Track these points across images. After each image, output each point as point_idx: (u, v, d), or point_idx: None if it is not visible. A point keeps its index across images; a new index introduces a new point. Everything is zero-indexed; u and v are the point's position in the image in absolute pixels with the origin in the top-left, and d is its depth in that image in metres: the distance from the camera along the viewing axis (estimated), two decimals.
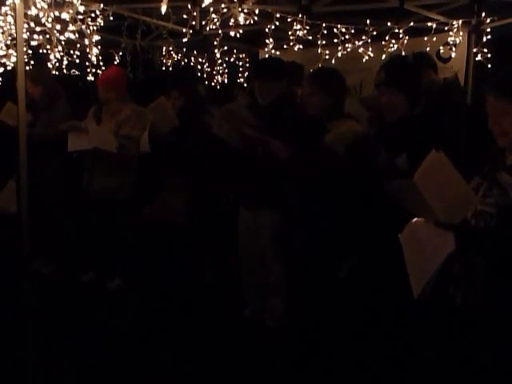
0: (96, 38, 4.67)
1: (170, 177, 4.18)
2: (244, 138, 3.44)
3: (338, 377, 3.09)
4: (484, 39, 5.04)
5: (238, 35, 4.84)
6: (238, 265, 3.87)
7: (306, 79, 3.58)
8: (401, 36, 5.26)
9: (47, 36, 4.52)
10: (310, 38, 5.38)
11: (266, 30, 5.20)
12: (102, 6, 4.69)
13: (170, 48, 6.98)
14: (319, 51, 5.46)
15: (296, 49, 5.44)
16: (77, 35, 4.24)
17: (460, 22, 5.07)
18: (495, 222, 1.83)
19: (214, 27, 4.85)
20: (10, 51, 4.43)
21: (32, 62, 5.76)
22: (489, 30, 5.03)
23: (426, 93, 2.98)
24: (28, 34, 4.27)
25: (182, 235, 4.11)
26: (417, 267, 1.85)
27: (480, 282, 1.87)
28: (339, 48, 5.43)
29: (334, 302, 3.19)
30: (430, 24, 5.17)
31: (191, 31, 5.08)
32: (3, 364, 3.10)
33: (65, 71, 6.42)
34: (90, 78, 6.29)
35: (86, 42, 4.69)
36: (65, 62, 6.10)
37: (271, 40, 5.34)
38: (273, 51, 5.77)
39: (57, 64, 5.83)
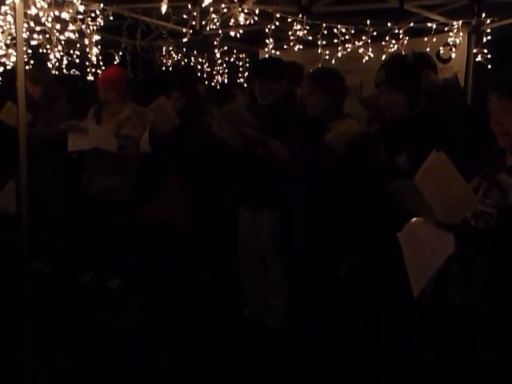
0: (96, 37, 4.67)
1: (170, 177, 4.18)
2: (244, 137, 3.45)
3: (338, 377, 3.09)
4: (484, 40, 5.05)
5: (238, 35, 4.84)
6: (238, 265, 3.87)
7: (305, 79, 3.59)
8: (401, 36, 5.26)
9: (47, 36, 4.52)
10: (310, 38, 5.38)
11: (266, 30, 5.20)
12: (102, 5, 4.69)
13: (170, 48, 6.98)
14: (319, 51, 5.46)
15: (296, 49, 5.44)
16: (77, 35, 4.24)
17: (460, 22, 5.07)
18: (495, 223, 1.83)
19: (214, 27, 4.85)
20: (10, 51, 4.43)
21: (32, 62, 5.77)
22: (489, 30, 5.04)
23: (425, 93, 2.98)
24: (28, 33, 4.28)
25: (182, 235, 4.11)
26: (416, 267, 1.85)
27: (479, 282, 1.87)
28: (339, 48, 5.43)
29: (333, 302, 3.19)
30: (429, 24, 5.17)
31: (191, 31, 5.09)
32: (3, 364, 3.10)
33: (65, 71, 6.42)
34: (90, 77, 6.28)
35: (86, 41, 4.69)
36: (65, 62, 6.10)
37: (271, 40, 5.35)
38: (273, 51, 5.77)
39: (57, 64, 5.82)
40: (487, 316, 1.86)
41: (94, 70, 6.23)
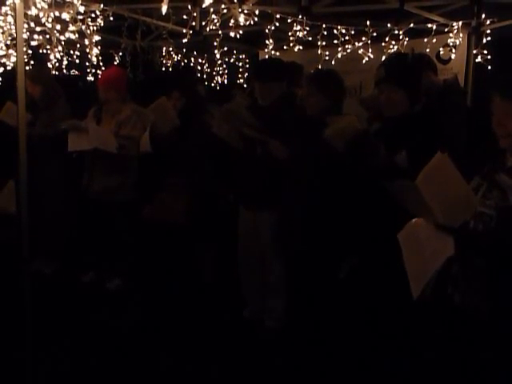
0: (96, 38, 4.67)
1: (170, 177, 4.18)
2: (243, 138, 3.45)
3: (338, 377, 3.10)
4: (484, 40, 5.04)
5: (237, 36, 4.84)
6: (237, 265, 3.87)
7: (304, 81, 3.59)
8: (401, 37, 5.26)
9: (47, 36, 4.52)
10: (310, 38, 5.39)
11: (266, 30, 5.20)
12: (102, 6, 4.69)
13: (170, 48, 6.98)
14: (319, 52, 5.46)
15: (296, 50, 5.44)
16: (77, 35, 4.24)
17: (460, 23, 5.07)
18: (494, 224, 1.83)
19: (214, 28, 4.85)
20: (10, 51, 4.43)
21: (32, 62, 5.77)
22: (489, 31, 5.04)
23: (425, 94, 2.98)
24: (28, 34, 4.27)
25: (182, 235, 4.11)
26: (416, 268, 1.85)
27: (478, 282, 1.88)
28: (339, 49, 5.43)
29: (333, 303, 3.20)
30: (429, 25, 5.17)
31: (191, 32, 5.08)
32: (3, 364, 3.10)
33: (65, 71, 6.42)
34: (90, 78, 6.28)
35: (86, 42, 4.69)
36: (65, 62, 6.11)
37: (271, 41, 5.35)
38: (273, 52, 5.77)
39: (57, 64, 5.83)
40: (487, 316, 1.86)
41: (94, 70, 6.23)
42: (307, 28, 5.15)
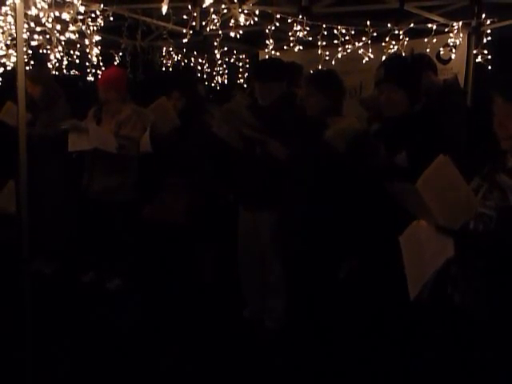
0: (96, 38, 4.67)
1: (170, 177, 4.18)
2: (243, 138, 3.45)
3: (338, 377, 3.10)
4: (484, 40, 5.05)
5: (238, 36, 4.84)
6: (237, 265, 3.87)
7: (303, 81, 3.59)
8: (401, 37, 5.26)
9: (47, 36, 4.52)
10: (310, 38, 5.38)
11: (266, 30, 5.20)
12: (102, 6, 4.69)
13: (170, 48, 6.98)
14: (319, 52, 5.46)
15: (296, 50, 5.44)
16: (77, 35, 4.24)
17: (460, 23, 5.07)
18: (494, 225, 1.83)
19: (214, 28, 4.85)
20: (10, 51, 4.42)
21: (32, 62, 5.77)
22: (489, 31, 5.04)
23: (425, 94, 2.98)
24: (28, 34, 4.27)
25: (182, 235, 4.11)
26: (414, 269, 1.85)
27: (478, 282, 1.87)
28: (339, 49, 5.43)
29: (333, 303, 3.19)
30: (430, 25, 5.17)
31: (191, 32, 5.08)
32: (3, 364, 3.10)
33: (65, 71, 6.42)
34: (90, 78, 6.28)
35: (87, 42, 4.69)
36: (65, 63, 6.11)
37: (271, 41, 5.35)
38: (273, 52, 5.77)
39: (57, 64, 5.83)
40: (486, 316, 1.86)
41: (94, 70, 6.23)
42: (307, 28, 5.15)
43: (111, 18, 4.92)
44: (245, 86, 7.38)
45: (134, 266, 4.41)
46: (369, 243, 2.75)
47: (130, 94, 4.53)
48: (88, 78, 6.32)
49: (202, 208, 4.09)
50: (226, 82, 7.98)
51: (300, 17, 5.07)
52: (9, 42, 4.41)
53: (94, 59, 5.27)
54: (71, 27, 4.06)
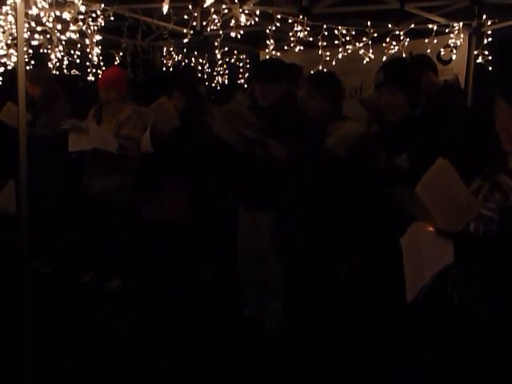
0: (97, 38, 4.67)
1: (170, 177, 4.18)
2: (243, 138, 3.45)
3: (338, 377, 3.10)
4: (485, 41, 5.04)
5: (238, 36, 4.84)
6: (237, 265, 3.87)
7: (303, 83, 3.59)
8: (401, 38, 5.25)
9: (48, 36, 4.52)
10: (311, 39, 5.38)
11: (267, 31, 5.20)
12: (102, 6, 4.69)
13: (171, 49, 6.98)
14: (320, 53, 5.45)
15: (297, 50, 5.44)
16: (77, 35, 4.24)
17: (461, 24, 5.06)
18: (496, 227, 1.82)
19: (214, 28, 4.85)
20: (11, 51, 4.42)
21: (33, 62, 5.77)
22: (489, 32, 5.03)
23: (426, 95, 2.98)
24: (29, 33, 4.27)
25: (182, 235, 4.11)
26: (413, 272, 1.84)
27: (477, 282, 1.87)
28: (340, 49, 5.42)
29: (333, 303, 3.20)
30: (430, 26, 5.16)
31: (192, 32, 5.08)
32: (3, 364, 3.10)
33: (65, 71, 6.42)
34: (91, 78, 6.28)
35: (87, 42, 4.69)
36: (65, 62, 6.10)
37: (272, 41, 5.34)
38: (273, 52, 5.77)
39: (57, 64, 5.83)
40: (485, 316, 1.86)
41: (94, 70, 6.22)
42: (308, 28, 5.14)
43: (112, 18, 4.91)
44: (245, 86, 7.37)
45: (134, 266, 4.41)
46: (369, 244, 2.75)
47: (131, 94, 4.53)
48: (88, 78, 6.32)
49: (202, 208, 4.08)
50: (226, 82, 7.98)
51: (300, 17, 5.07)
52: (9, 42, 4.42)
53: (95, 59, 5.27)
54: (72, 27, 4.06)
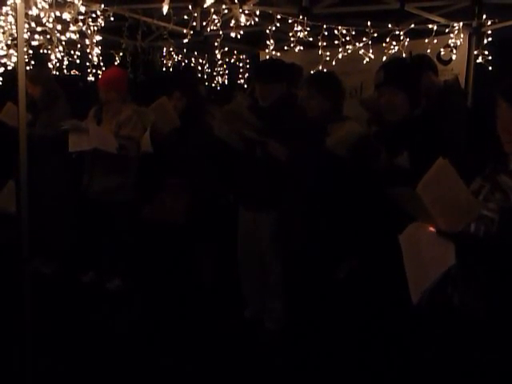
0: (97, 38, 4.67)
1: (170, 177, 4.18)
2: (244, 138, 3.45)
3: (338, 377, 3.10)
4: (485, 41, 5.04)
5: (238, 36, 4.83)
6: (237, 265, 3.87)
7: (303, 83, 3.59)
8: (401, 38, 5.25)
9: (48, 36, 4.52)
10: (311, 39, 5.38)
11: (267, 31, 5.20)
12: (102, 6, 4.69)
13: (171, 49, 6.97)
14: (320, 53, 5.45)
15: (296, 50, 5.44)
16: (77, 35, 4.24)
17: (461, 24, 5.06)
18: (496, 228, 1.82)
19: (214, 28, 4.85)
20: (11, 51, 4.42)
21: (33, 62, 5.77)
22: (490, 32, 5.03)
23: (426, 95, 2.97)
24: (29, 34, 4.27)
25: (182, 235, 4.11)
26: (416, 273, 1.84)
27: (478, 283, 1.87)
28: (340, 49, 5.42)
29: (333, 303, 3.19)
30: (430, 26, 5.16)
31: (192, 32, 5.08)
32: (3, 364, 3.10)
33: (65, 71, 6.42)
34: (91, 78, 6.29)
35: (87, 42, 4.69)
36: (65, 63, 6.10)
37: (272, 41, 5.34)
38: (273, 52, 5.77)
39: (57, 64, 5.83)
40: (485, 316, 1.86)
41: (94, 70, 6.23)
42: (308, 28, 5.14)
43: (112, 18, 4.91)
44: (245, 86, 7.37)
45: (134, 266, 4.41)
46: (369, 243, 2.75)
47: (131, 94, 4.53)
48: (88, 78, 6.32)
49: (202, 208, 4.08)
50: (226, 82, 7.98)
51: (300, 17, 5.07)
52: (9, 42, 4.42)
53: (95, 59, 5.27)
54: (72, 27, 4.06)
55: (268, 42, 5.38)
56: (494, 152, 1.95)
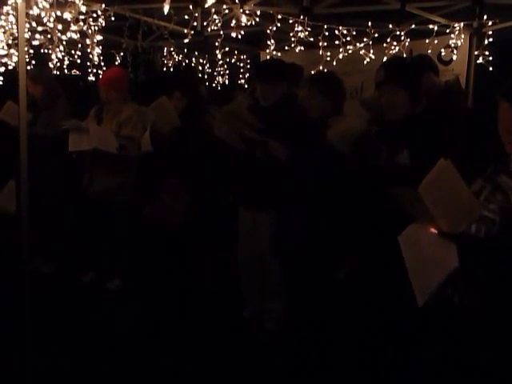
0: (98, 38, 4.67)
1: (170, 177, 4.18)
2: (244, 138, 3.45)
3: (338, 377, 3.09)
4: (485, 42, 5.04)
5: (239, 36, 4.83)
6: (237, 265, 3.87)
7: (304, 83, 3.59)
8: (402, 38, 5.25)
9: (49, 36, 4.52)
10: (312, 39, 5.37)
11: (268, 31, 5.20)
12: (103, 6, 4.69)
13: (171, 49, 6.97)
14: (320, 53, 5.45)
15: (297, 50, 5.43)
16: (78, 35, 4.24)
17: (461, 24, 5.06)
18: (497, 229, 1.82)
19: (215, 28, 4.85)
20: (12, 51, 4.43)
21: (33, 62, 5.77)
22: (490, 32, 5.03)
23: (426, 95, 2.97)
24: (30, 33, 4.27)
25: (182, 235, 4.11)
26: (419, 276, 1.83)
27: (478, 283, 1.87)
28: (340, 50, 5.42)
29: (332, 303, 3.19)
30: (431, 26, 5.15)
31: (192, 32, 5.08)
32: (3, 364, 3.10)
33: (66, 71, 6.42)
34: (91, 78, 6.29)
35: (88, 42, 4.69)
36: (66, 62, 6.10)
37: (272, 41, 5.34)
38: (274, 53, 5.77)
39: (58, 64, 5.83)
40: (485, 317, 1.86)
41: (95, 70, 6.22)
42: (308, 29, 5.13)
43: (112, 18, 4.91)
44: (246, 86, 7.37)
45: (134, 266, 4.41)
46: (369, 243, 2.74)
47: (131, 94, 4.53)
48: (89, 78, 6.32)
49: (202, 208, 4.08)
50: (226, 82, 7.97)
51: (301, 17, 5.07)
52: (10, 42, 4.42)
53: (96, 59, 5.28)
54: (73, 27, 4.06)
55: (269, 42, 5.37)
56: (494, 152, 1.95)
